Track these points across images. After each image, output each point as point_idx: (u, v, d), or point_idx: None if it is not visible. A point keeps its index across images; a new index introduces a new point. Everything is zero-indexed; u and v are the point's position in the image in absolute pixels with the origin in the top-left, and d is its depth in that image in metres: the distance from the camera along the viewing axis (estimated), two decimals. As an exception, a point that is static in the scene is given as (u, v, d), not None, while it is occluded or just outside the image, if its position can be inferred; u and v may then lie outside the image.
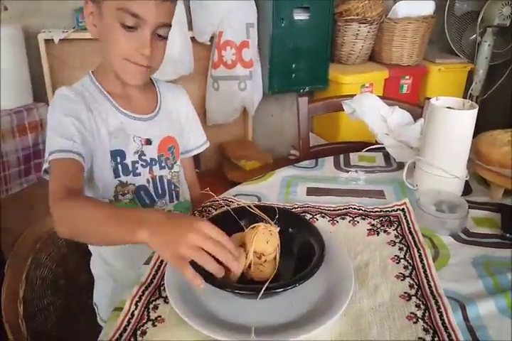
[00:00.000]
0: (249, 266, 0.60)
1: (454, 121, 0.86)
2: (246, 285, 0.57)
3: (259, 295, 0.53)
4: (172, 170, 0.98)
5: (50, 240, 0.90)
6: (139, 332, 0.54)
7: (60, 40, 1.75)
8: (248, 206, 0.66)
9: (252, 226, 0.62)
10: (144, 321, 0.56)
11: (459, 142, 0.88)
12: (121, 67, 0.82)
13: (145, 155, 0.92)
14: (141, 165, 0.91)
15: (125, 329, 0.54)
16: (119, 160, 0.88)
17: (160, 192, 0.94)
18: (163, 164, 0.96)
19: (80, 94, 0.85)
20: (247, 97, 2.13)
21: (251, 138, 2.39)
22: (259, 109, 2.26)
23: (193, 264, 0.53)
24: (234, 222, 0.68)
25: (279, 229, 0.61)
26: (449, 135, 0.87)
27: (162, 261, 0.68)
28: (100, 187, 0.88)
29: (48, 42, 1.76)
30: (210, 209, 0.86)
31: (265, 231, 0.60)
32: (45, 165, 0.78)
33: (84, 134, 0.81)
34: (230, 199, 0.88)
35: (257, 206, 0.66)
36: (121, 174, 0.88)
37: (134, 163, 0.90)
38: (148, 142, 0.92)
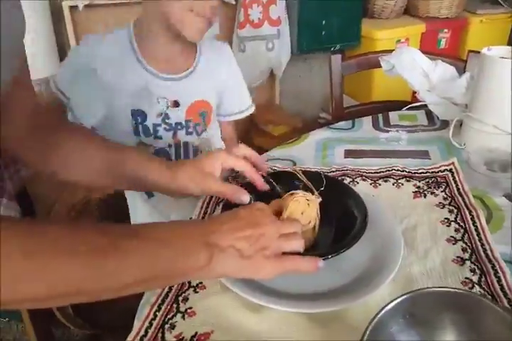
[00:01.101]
0: None
1: (509, 72, 0.78)
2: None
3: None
4: (201, 137, 0.92)
5: (84, 208, 0.90)
6: (180, 298, 0.53)
7: (84, 6, 1.71)
8: (294, 170, 0.62)
9: (290, 192, 0.58)
10: (185, 288, 0.54)
11: (513, 95, 0.80)
12: (184, 19, 0.77)
13: (169, 118, 0.86)
14: (164, 128, 0.86)
15: (167, 295, 0.53)
16: (139, 120, 0.84)
17: (183, 157, 0.89)
18: (190, 130, 0.89)
19: (102, 48, 0.83)
20: (274, 58, 2.05)
21: (278, 102, 2.32)
22: (287, 71, 2.18)
23: None
24: (272, 188, 0.65)
25: (320, 199, 0.57)
26: (503, 87, 0.79)
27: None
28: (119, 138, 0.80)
29: (73, 9, 1.72)
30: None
31: (302, 201, 0.56)
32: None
33: (101, 91, 0.81)
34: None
35: (296, 170, 0.62)
36: (141, 134, 0.85)
37: (155, 125, 0.85)
38: (176, 104, 0.86)
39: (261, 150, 0.99)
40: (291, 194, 0.57)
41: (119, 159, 0.62)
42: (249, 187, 0.63)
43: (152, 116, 0.84)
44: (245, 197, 0.59)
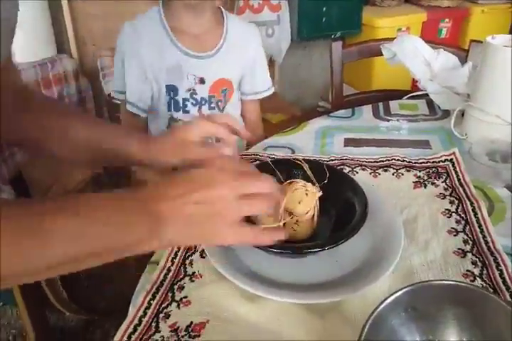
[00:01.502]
0: (284, 225, 0.55)
1: (515, 61, 0.77)
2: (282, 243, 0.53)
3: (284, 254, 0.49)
4: (223, 112, 0.98)
5: (80, 192, 0.89)
6: (176, 287, 0.52)
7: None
8: (297, 160, 0.60)
9: (289, 181, 0.57)
10: (181, 276, 0.53)
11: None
12: None
13: (196, 94, 0.93)
14: (192, 103, 0.93)
15: (162, 284, 0.52)
16: (172, 94, 0.92)
17: None
18: (213, 105, 0.96)
19: (138, 30, 0.89)
20: (274, 44, 2.02)
21: (277, 90, 2.29)
22: (286, 58, 2.15)
23: None
24: (271, 175, 0.63)
25: (320, 193, 0.55)
26: (506, 76, 0.77)
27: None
28: (156, 118, 0.95)
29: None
30: (242, 162, 0.81)
31: (300, 190, 0.54)
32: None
33: (144, 70, 0.89)
34: (261, 154, 0.83)
35: (300, 160, 0.61)
36: (172, 109, 0.93)
37: (184, 100, 0.93)
38: (202, 81, 0.93)
39: (262, 137, 0.97)
40: (290, 183, 0.56)
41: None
42: None
43: (182, 91, 0.92)
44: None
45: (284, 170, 0.63)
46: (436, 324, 0.41)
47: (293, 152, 0.85)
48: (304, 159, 0.62)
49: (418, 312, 0.40)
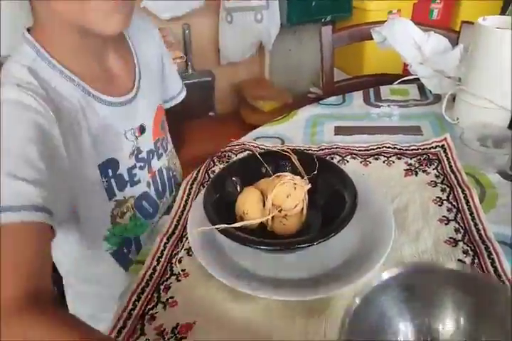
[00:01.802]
0: (273, 219, 0.54)
1: (507, 43, 0.75)
2: (271, 239, 0.52)
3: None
4: (167, 151, 0.75)
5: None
6: (162, 287, 0.51)
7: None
8: (286, 152, 0.59)
9: (277, 174, 0.55)
10: (167, 276, 0.52)
11: (510, 67, 0.77)
12: (83, 9, 0.50)
13: (141, 152, 0.66)
14: (139, 167, 0.66)
15: (147, 284, 0.51)
16: (110, 173, 0.61)
17: (161, 189, 0.73)
18: (160, 151, 0.72)
19: (40, 95, 0.51)
20: (263, 30, 1.98)
21: (268, 77, 2.26)
22: (276, 44, 2.11)
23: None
24: (259, 168, 0.62)
25: (309, 186, 0.54)
26: (499, 59, 0.76)
27: (184, 211, 0.64)
28: (88, 220, 0.61)
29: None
30: (229, 154, 0.80)
31: (288, 184, 0.53)
32: None
33: (57, 160, 0.50)
34: (250, 144, 0.81)
35: (289, 153, 0.59)
36: (116, 191, 0.63)
37: (130, 170, 0.64)
38: (142, 130, 0.66)
39: (252, 128, 0.95)
40: (278, 176, 0.54)
41: None
42: (238, 165, 0.61)
43: (124, 159, 0.63)
44: None
45: (273, 162, 0.62)
46: (428, 306, 0.40)
47: (282, 142, 0.83)
48: (292, 150, 0.61)
49: (409, 294, 0.40)
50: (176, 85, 0.83)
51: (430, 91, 1.00)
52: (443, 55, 1.05)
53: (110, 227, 0.64)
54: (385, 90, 1.02)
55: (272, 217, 0.53)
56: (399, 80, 1.07)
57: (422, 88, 1.02)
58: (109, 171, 0.61)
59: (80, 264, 0.68)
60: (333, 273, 0.50)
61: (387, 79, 1.13)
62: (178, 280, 0.51)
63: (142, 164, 0.67)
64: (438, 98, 0.97)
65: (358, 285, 0.47)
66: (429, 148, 0.76)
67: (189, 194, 0.68)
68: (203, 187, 0.69)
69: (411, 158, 0.73)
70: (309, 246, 0.47)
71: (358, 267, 0.49)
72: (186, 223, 0.58)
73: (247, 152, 0.79)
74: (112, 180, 0.62)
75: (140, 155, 0.66)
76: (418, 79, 1.03)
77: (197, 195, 0.67)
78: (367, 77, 1.40)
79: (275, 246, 0.49)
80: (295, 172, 0.58)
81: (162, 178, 0.73)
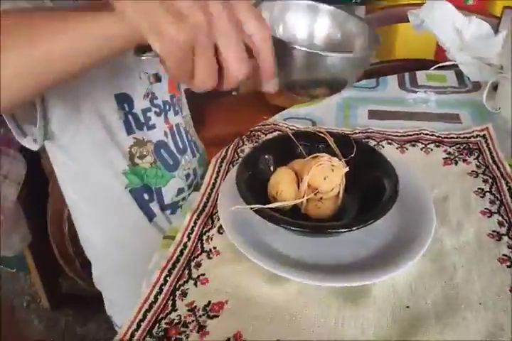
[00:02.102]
0: (307, 201, 0.52)
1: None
2: (303, 221, 0.50)
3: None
4: (183, 115, 0.77)
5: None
6: (193, 264, 0.49)
7: None
8: (320, 132, 0.56)
9: (314, 155, 0.53)
10: (198, 252, 0.51)
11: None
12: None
13: (157, 98, 0.68)
14: (155, 112, 0.67)
15: (178, 260, 0.50)
16: (126, 108, 0.63)
17: (181, 146, 0.74)
18: (176, 108, 0.73)
19: None
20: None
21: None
22: (304, 25, 2.05)
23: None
24: (292, 148, 0.59)
25: (347, 169, 0.51)
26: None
27: (213, 189, 0.62)
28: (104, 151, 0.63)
29: None
30: (259, 133, 0.77)
31: (326, 165, 0.50)
32: None
33: None
34: (281, 124, 0.78)
35: (324, 133, 0.56)
36: (134, 128, 0.64)
37: (144, 111, 0.66)
38: (158, 79, 0.67)
39: (276, 109, 0.92)
40: (315, 157, 0.52)
41: None
42: (271, 144, 0.58)
43: (139, 98, 0.64)
44: None
45: (306, 143, 0.60)
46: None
47: (314, 124, 0.80)
48: (327, 131, 0.58)
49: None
50: None
51: (468, 79, 0.95)
52: (484, 41, 1.00)
53: (130, 164, 0.66)
54: (421, 75, 0.98)
55: (307, 200, 0.51)
56: (436, 65, 1.02)
57: (460, 75, 0.97)
58: (125, 106, 0.63)
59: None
60: (370, 261, 0.48)
61: (420, 64, 1.09)
62: (210, 258, 0.50)
63: (158, 110, 0.68)
64: (477, 86, 0.92)
65: (397, 275, 0.45)
66: (469, 137, 0.72)
67: (218, 172, 0.65)
68: (233, 166, 0.67)
69: (450, 147, 0.70)
70: (348, 231, 0.45)
71: (395, 257, 0.47)
72: (217, 201, 0.56)
73: (277, 132, 0.76)
74: (129, 116, 0.64)
75: (155, 101, 0.67)
76: (456, 65, 0.99)
77: (226, 173, 0.65)
78: (398, 62, 1.35)
79: (312, 229, 0.46)
80: (331, 155, 0.55)
81: (181, 135, 0.74)
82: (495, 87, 0.85)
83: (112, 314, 0.81)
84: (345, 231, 0.45)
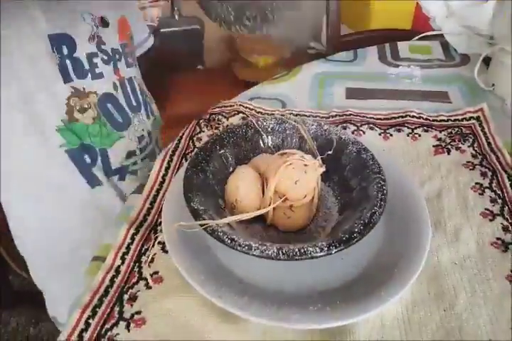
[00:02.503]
0: (274, 210, 0.41)
1: None
2: (271, 233, 0.40)
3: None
4: (138, 75, 0.70)
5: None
6: (126, 297, 0.38)
7: None
8: (288, 117, 0.45)
9: (282, 152, 0.42)
10: (133, 280, 0.39)
11: None
12: None
13: (104, 43, 0.61)
14: (102, 59, 0.60)
15: (107, 292, 0.38)
16: (65, 52, 0.55)
17: (134, 103, 0.67)
18: (129, 59, 0.66)
19: None
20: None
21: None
22: (274, -9, 1.89)
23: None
24: (257, 139, 0.48)
25: (323, 169, 0.40)
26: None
27: (160, 190, 0.50)
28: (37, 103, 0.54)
29: None
30: (219, 117, 0.65)
31: (297, 165, 0.39)
32: None
33: None
34: (245, 105, 0.67)
35: (289, 118, 0.46)
36: (72, 76, 0.56)
37: (90, 56, 0.58)
38: (105, 23, 0.61)
39: (244, 84, 0.81)
40: (283, 154, 0.41)
41: None
42: (229, 135, 0.47)
43: (82, 40, 0.57)
44: None
45: (274, 131, 0.49)
46: None
47: (284, 105, 0.69)
48: (299, 115, 0.47)
49: None
50: (145, 30, 0.78)
51: (456, 51, 0.85)
52: (474, 8, 0.89)
53: (65, 119, 0.57)
54: (403, 47, 0.87)
55: (274, 208, 0.40)
56: (420, 35, 0.91)
57: (446, 46, 0.87)
58: (64, 48, 0.55)
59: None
60: (352, 289, 0.37)
61: (401, 35, 0.98)
62: (149, 288, 0.39)
63: (106, 58, 0.61)
64: (466, 59, 0.82)
65: (388, 306, 0.36)
66: (462, 120, 0.62)
67: (167, 168, 0.54)
68: (185, 160, 0.55)
69: (440, 132, 0.60)
70: (324, 255, 0.35)
71: (385, 281, 0.37)
72: (162, 208, 0.45)
73: (241, 115, 0.65)
74: (68, 61, 0.56)
75: (103, 47, 0.61)
76: (442, 35, 0.88)
77: (177, 169, 0.53)
78: (377, 32, 1.24)
79: (277, 255, 0.35)
80: (303, 150, 0.45)
81: (134, 91, 0.67)
82: (484, 61, 0.75)
83: (56, 315, 0.71)
84: (320, 256, 0.35)
